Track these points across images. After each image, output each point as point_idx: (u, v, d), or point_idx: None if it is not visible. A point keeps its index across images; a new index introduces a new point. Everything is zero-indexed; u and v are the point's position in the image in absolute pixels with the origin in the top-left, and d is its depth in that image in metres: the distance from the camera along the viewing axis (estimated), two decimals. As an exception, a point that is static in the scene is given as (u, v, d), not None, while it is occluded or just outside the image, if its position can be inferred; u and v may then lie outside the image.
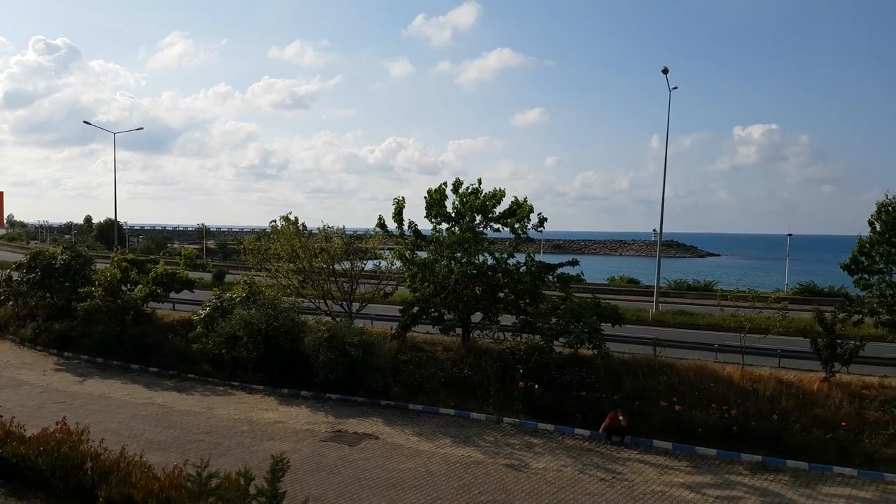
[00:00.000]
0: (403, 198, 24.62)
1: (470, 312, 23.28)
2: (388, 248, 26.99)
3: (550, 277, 23.24)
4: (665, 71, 34.89)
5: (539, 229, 23.80)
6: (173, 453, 16.03)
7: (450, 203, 24.10)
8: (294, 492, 12.81)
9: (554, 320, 21.46)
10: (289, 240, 26.01)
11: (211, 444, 17.19)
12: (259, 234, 30.99)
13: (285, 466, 8.06)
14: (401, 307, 24.55)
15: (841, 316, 19.22)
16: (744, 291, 23.15)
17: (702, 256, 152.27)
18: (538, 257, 24.76)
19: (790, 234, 64.81)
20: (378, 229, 25.73)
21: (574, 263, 23.54)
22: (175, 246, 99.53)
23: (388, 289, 26.59)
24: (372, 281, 27.34)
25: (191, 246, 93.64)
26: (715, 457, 17.10)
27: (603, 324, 21.56)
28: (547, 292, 23.64)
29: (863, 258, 18.99)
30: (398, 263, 25.16)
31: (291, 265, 26.20)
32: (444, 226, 24.28)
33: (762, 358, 21.94)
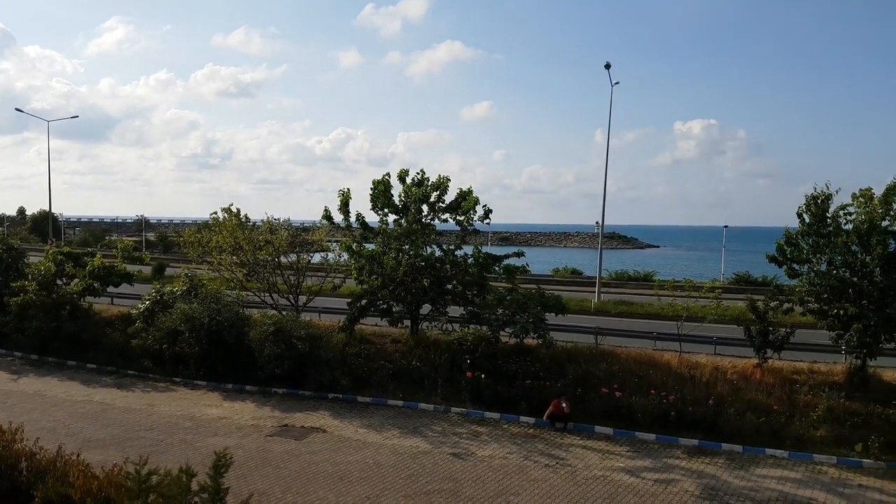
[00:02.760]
0: (349, 189, 24.48)
1: (418, 304, 23.34)
2: (336, 241, 26.76)
3: (497, 269, 23.49)
4: (608, 66, 35.57)
5: (486, 221, 24.00)
6: (113, 451, 15.56)
7: (397, 194, 24.08)
8: (239, 487, 12.64)
9: (500, 311, 21.75)
10: (231, 232, 25.48)
11: (152, 442, 16.76)
12: (200, 226, 30.22)
13: (229, 462, 7.95)
14: (349, 300, 24.42)
15: (772, 304, 20.05)
16: (680, 281, 23.94)
17: (642, 248, 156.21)
18: (485, 249, 25.01)
19: (726, 226, 67.03)
20: (325, 221, 25.50)
21: (520, 255, 23.87)
22: (113, 238, 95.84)
23: (336, 281, 26.40)
24: (319, 274, 27.06)
25: (129, 238, 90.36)
26: (654, 441, 17.72)
27: (547, 313, 21.99)
28: (494, 283, 23.91)
29: (789, 248, 19.86)
30: (346, 256, 25.00)
31: (235, 258, 25.68)
32: (392, 217, 24.24)
33: (699, 345, 22.77)
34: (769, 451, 16.95)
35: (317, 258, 28.08)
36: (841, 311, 18.31)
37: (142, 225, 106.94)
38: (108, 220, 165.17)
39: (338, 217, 24.72)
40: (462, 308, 23.27)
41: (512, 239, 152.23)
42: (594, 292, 36.64)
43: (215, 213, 26.81)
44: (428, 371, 21.13)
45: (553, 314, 22.38)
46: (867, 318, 17.93)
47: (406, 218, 23.78)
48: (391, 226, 24.16)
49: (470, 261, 23.21)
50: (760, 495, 14.35)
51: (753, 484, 15.00)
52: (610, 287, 42.19)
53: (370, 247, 24.40)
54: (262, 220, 27.19)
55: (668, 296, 23.63)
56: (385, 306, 23.42)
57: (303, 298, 25.69)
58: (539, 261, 71.93)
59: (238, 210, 26.33)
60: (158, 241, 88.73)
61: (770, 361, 20.29)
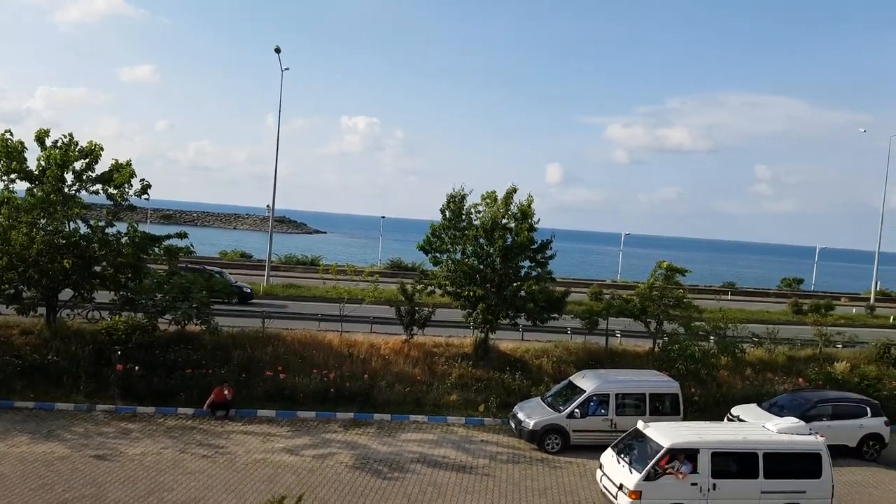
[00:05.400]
0: None
1: (57, 289, 20.35)
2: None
3: (157, 250, 21.76)
4: (277, 50, 35.51)
5: (144, 196, 22.00)
6: None
7: (33, 159, 20.50)
8: None
9: (160, 296, 20.33)
10: None
11: None
12: None
13: None
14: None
15: (419, 287, 22.75)
16: (344, 266, 25.50)
17: (310, 233, 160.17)
18: (144, 227, 22.93)
19: (384, 217, 75.49)
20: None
21: (183, 235, 22.49)
22: None
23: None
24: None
25: None
26: (314, 419, 18.69)
27: (216, 299, 21.31)
28: (154, 266, 22.17)
29: (435, 239, 22.80)
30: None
31: None
32: (24, 185, 20.61)
33: (358, 325, 24.59)
34: (413, 417, 19.30)
35: None
36: (470, 293, 21.62)
37: None
38: None
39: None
40: (113, 293, 21.05)
41: (176, 217, 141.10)
42: (264, 276, 36.59)
43: None
44: (68, 366, 18.70)
45: (220, 299, 21.76)
46: (490, 299, 21.54)
47: (42, 187, 20.42)
48: (21, 195, 20.50)
49: (124, 240, 21.02)
50: (403, 458, 16.31)
51: (398, 449, 16.95)
52: (279, 270, 42.69)
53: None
54: None
55: (333, 279, 24.91)
56: (12, 291, 19.87)
57: None
58: (207, 242, 68.53)
59: None
60: None
61: (416, 337, 22.95)
